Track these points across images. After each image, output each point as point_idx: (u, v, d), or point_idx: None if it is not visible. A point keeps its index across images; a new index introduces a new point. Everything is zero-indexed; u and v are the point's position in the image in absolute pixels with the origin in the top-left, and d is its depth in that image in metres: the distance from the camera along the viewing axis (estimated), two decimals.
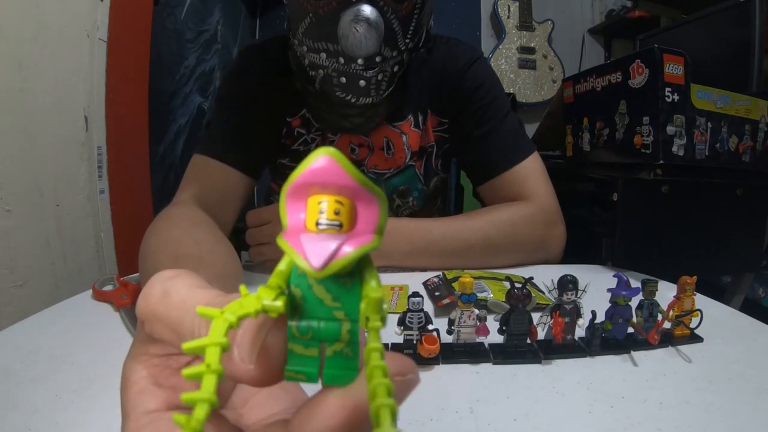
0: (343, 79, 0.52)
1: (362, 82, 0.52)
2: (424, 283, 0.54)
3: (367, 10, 0.46)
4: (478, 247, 0.59)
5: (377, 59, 0.51)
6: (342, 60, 0.50)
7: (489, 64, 0.73)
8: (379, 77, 0.53)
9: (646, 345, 0.38)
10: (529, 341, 0.36)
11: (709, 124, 0.63)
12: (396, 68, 0.54)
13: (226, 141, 0.62)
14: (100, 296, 0.48)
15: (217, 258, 0.43)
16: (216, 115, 0.66)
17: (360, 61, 0.50)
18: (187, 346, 0.12)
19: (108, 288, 0.50)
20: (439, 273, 0.55)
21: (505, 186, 0.64)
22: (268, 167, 0.71)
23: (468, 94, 0.65)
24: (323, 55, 0.51)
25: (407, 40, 0.52)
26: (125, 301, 0.46)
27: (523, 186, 0.64)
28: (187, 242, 0.44)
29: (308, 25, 0.50)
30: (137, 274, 0.53)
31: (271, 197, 0.80)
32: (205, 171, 0.60)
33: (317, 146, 0.61)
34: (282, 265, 0.13)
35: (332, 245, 0.12)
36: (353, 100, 0.54)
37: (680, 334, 0.39)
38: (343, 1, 0.47)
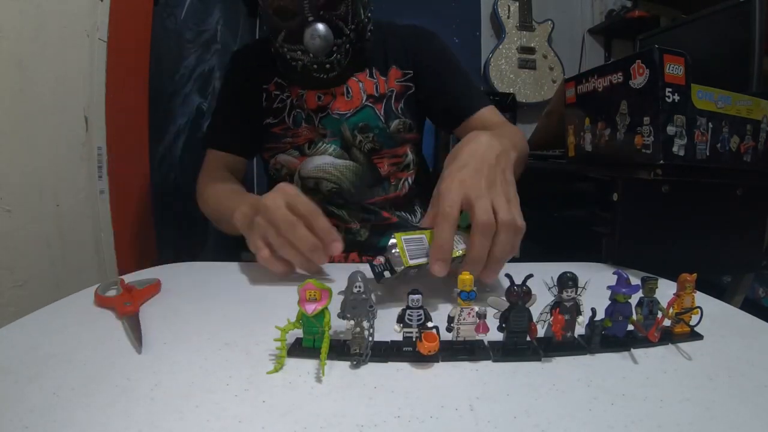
0: (315, 66, 0.74)
1: (327, 65, 0.74)
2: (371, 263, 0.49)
3: (318, 29, 0.68)
4: (520, 161, 0.70)
5: (333, 49, 0.72)
6: (311, 55, 0.71)
7: None
8: (338, 57, 0.74)
9: (646, 342, 0.38)
10: (528, 339, 0.36)
11: (710, 125, 0.63)
12: (348, 46, 0.74)
13: (219, 131, 0.88)
14: (102, 302, 0.47)
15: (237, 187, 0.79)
16: (216, 108, 0.93)
17: (322, 56, 0.72)
18: (279, 337, 0.34)
19: (111, 293, 0.48)
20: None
21: (485, 120, 0.82)
22: (259, 132, 0.87)
23: (435, 55, 0.85)
24: (299, 53, 0.72)
25: (351, 26, 0.73)
26: (128, 308, 0.44)
27: (499, 118, 0.83)
28: (227, 183, 0.80)
29: (284, 36, 0.72)
30: (142, 278, 0.53)
31: (267, 169, 0.90)
32: (213, 158, 0.86)
33: (292, 102, 0.82)
34: (299, 314, 0.35)
35: (312, 306, 0.34)
36: (324, 76, 0.76)
37: (680, 332, 0.39)
38: (302, 23, 0.68)
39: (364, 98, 0.81)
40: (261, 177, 0.95)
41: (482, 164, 0.49)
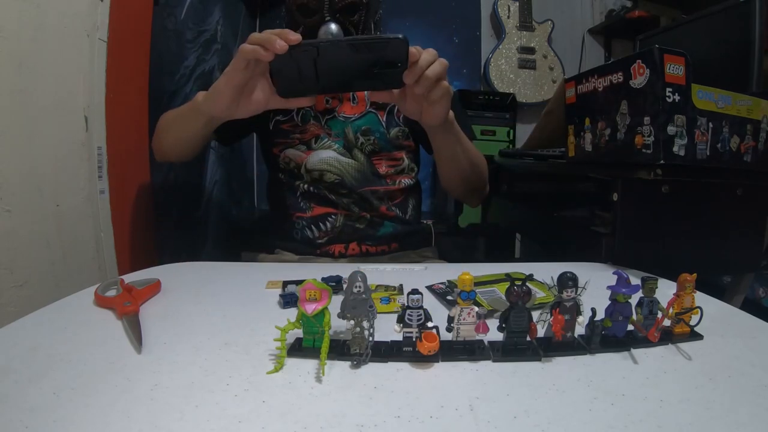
0: None
1: None
2: (430, 287, 0.54)
3: (332, 27, 0.76)
4: (471, 168, 0.83)
5: None
6: None
7: None
8: None
9: (646, 342, 0.38)
10: (528, 339, 0.36)
11: (710, 124, 0.63)
12: None
13: None
14: (102, 302, 0.47)
15: None
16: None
17: None
18: (279, 337, 0.35)
19: (111, 293, 0.48)
20: (445, 280, 0.55)
21: None
22: (265, 128, 0.91)
23: None
24: None
25: (360, 34, 0.79)
26: (128, 308, 0.44)
27: None
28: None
29: (302, 31, 0.76)
30: (142, 278, 0.53)
31: (273, 165, 0.92)
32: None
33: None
34: (299, 314, 0.35)
35: (312, 306, 0.34)
36: None
37: (680, 332, 0.39)
38: (319, 20, 0.77)
39: (369, 105, 0.88)
40: (261, 177, 0.95)
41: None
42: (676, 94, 0.60)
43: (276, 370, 0.34)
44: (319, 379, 0.33)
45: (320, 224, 0.85)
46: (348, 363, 0.35)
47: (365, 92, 0.87)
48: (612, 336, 0.38)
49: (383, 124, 0.88)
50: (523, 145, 1.30)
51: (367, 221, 0.86)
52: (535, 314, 0.37)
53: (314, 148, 0.86)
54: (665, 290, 0.40)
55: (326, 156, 0.85)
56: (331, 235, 0.84)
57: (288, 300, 0.47)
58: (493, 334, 0.36)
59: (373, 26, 0.84)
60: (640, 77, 0.61)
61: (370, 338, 0.35)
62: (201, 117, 0.67)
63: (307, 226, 0.85)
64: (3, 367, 0.34)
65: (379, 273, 0.63)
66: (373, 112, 0.88)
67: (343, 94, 0.87)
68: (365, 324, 0.35)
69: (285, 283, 0.52)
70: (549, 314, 0.37)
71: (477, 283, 0.51)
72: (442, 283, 0.54)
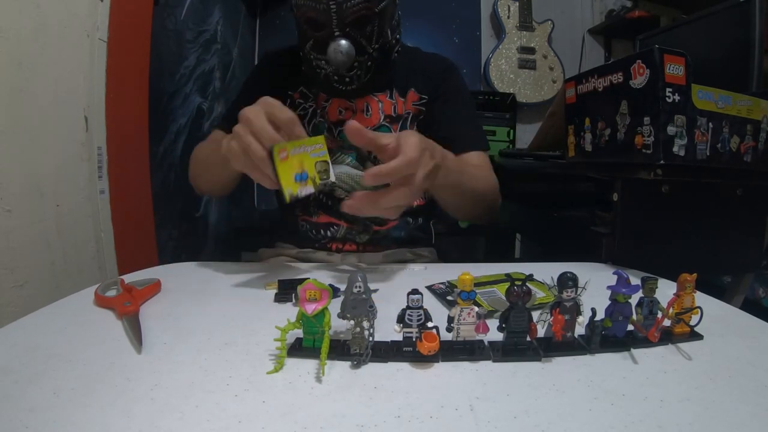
0: (336, 77, 0.78)
1: (347, 79, 0.79)
2: (430, 288, 0.54)
3: (342, 45, 0.72)
4: (475, 198, 0.78)
5: (354, 65, 0.76)
6: (333, 67, 0.76)
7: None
8: (358, 72, 0.78)
9: (646, 342, 0.38)
10: (528, 339, 0.36)
11: (710, 125, 0.63)
12: (369, 63, 0.78)
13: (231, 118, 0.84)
14: (102, 302, 0.47)
15: None
16: (233, 100, 0.95)
17: (343, 70, 0.77)
18: (279, 337, 0.35)
19: (111, 293, 0.48)
20: (445, 281, 0.55)
21: (469, 162, 0.84)
22: None
23: (450, 88, 0.89)
24: (323, 62, 0.77)
25: (375, 45, 0.77)
26: (128, 308, 0.44)
27: (481, 163, 0.85)
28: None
29: (312, 44, 0.77)
30: (142, 278, 0.53)
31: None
32: (214, 135, 0.86)
33: (313, 111, 0.87)
34: (299, 314, 0.35)
35: (312, 306, 0.35)
36: (342, 88, 0.80)
37: (680, 332, 0.39)
38: (328, 36, 0.73)
39: (382, 118, 0.86)
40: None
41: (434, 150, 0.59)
42: (676, 94, 0.60)
43: (276, 370, 0.34)
44: (319, 379, 0.33)
45: (322, 231, 0.85)
46: (348, 363, 0.35)
47: (379, 104, 0.86)
48: (612, 336, 0.38)
49: None
50: (527, 148, 1.30)
51: (369, 236, 0.85)
52: (535, 314, 0.37)
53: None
54: (665, 290, 0.40)
55: (338, 172, 0.83)
56: (331, 241, 0.85)
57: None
58: (493, 334, 0.36)
59: (389, 33, 0.79)
60: (640, 77, 0.61)
61: (370, 338, 0.35)
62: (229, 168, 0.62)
63: (310, 230, 0.86)
64: (3, 367, 0.34)
65: (380, 273, 0.63)
66: (386, 125, 0.86)
67: (357, 105, 0.86)
68: (365, 324, 0.35)
69: (280, 282, 0.52)
70: (549, 314, 0.37)
71: (477, 284, 0.51)
72: (442, 283, 0.54)
